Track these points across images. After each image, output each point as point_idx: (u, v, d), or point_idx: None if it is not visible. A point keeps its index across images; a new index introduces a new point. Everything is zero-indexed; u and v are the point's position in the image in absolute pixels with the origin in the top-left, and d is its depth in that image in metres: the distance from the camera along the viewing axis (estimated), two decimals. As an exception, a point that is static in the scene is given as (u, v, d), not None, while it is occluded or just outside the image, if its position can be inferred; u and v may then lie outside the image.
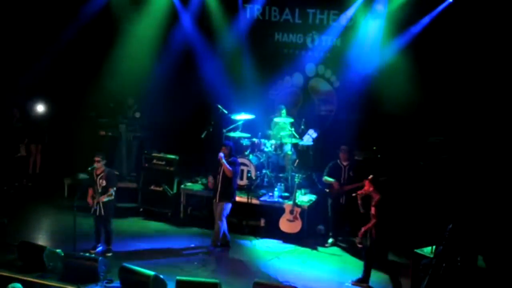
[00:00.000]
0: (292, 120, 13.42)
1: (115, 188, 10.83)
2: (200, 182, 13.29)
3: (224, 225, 11.14)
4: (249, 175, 12.81)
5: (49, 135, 14.62)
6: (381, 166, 12.19)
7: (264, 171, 13.09)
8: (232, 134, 13.20)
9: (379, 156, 12.78)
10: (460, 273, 8.50)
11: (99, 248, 10.93)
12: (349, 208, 11.18)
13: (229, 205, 11.08)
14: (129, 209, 13.00)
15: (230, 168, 10.88)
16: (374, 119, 13.31)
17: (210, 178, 12.52)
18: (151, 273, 9.44)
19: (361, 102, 13.47)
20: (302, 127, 13.52)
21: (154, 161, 12.97)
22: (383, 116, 13.13)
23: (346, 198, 11.46)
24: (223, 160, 10.85)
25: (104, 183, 10.65)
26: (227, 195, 11.05)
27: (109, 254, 10.81)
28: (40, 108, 14.30)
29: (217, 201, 11.03)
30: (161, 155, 13.01)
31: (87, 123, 14.12)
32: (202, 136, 12.93)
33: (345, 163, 11.48)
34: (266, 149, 13.11)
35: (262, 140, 13.20)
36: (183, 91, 14.37)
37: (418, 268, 9.27)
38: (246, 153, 13.12)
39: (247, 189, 12.61)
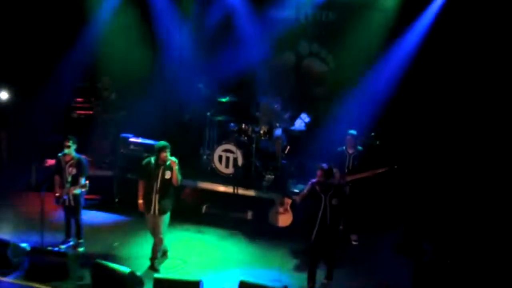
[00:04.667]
0: (282, 102, 13.45)
1: (86, 180, 10.52)
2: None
3: (165, 240, 10.26)
4: (235, 163, 12.77)
5: (16, 118, 14.42)
6: (381, 154, 12.15)
7: (251, 159, 13.00)
8: (217, 117, 13.32)
9: (377, 143, 12.72)
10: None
11: (70, 243, 10.74)
12: (352, 200, 11.08)
13: (169, 215, 10.15)
14: (104, 200, 12.90)
15: (181, 178, 10.01)
16: (373, 103, 13.27)
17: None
18: (127, 269, 9.31)
19: (360, 84, 13.47)
20: (294, 110, 13.58)
21: (132, 146, 12.83)
22: (384, 99, 13.16)
23: (351, 189, 11.23)
24: (177, 167, 9.81)
25: (74, 171, 10.44)
26: (168, 205, 10.07)
27: (81, 249, 10.62)
28: (4, 94, 14.08)
29: (156, 213, 9.95)
30: (140, 140, 12.85)
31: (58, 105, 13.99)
32: (187, 119, 13.06)
33: (350, 151, 11.30)
34: (253, 135, 12.99)
35: (250, 125, 13.13)
36: (163, 71, 14.40)
37: (420, 266, 9.59)
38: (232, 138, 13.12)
39: (233, 179, 12.56)
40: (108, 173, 13.29)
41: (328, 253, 9.66)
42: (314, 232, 9.44)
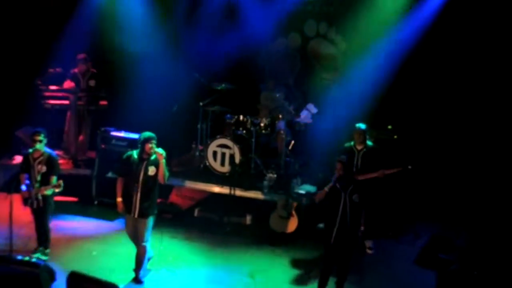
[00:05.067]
0: (286, 91, 13.62)
1: (57, 179, 10.27)
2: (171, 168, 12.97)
3: (149, 248, 10.10)
4: (232, 160, 12.71)
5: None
6: (399, 151, 12.17)
7: (250, 155, 12.99)
8: (211, 108, 13.37)
9: (395, 137, 12.77)
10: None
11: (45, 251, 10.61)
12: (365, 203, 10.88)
13: (153, 219, 9.95)
14: (81, 202, 12.89)
15: (168, 174, 9.82)
16: (390, 91, 13.35)
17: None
18: (111, 283, 9.08)
19: (373, 69, 13.46)
20: (299, 100, 13.75)
21: (113, 141, 12.81)
22: (402, 88, 13.21)
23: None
24: (164, 161, 9.60)
25: (43, 169, 10.26)
26: (153, 206, 9.87)
27: (45, 258, 10.41)
28: None
29: (137, 215, 9.73)
30: (122, 134, 12.82)
31: (29, 93, 13.87)
32: (173, 110, 13.02)
33: (359, 147, 11.16)
34: (253, 128, 12.97)
35: (249, 116, 13.16)
36: (149, 55, 14.39)
37: (445, 278, 9.62)
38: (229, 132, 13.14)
39: (230, 178, 12.47)
40: (86, 171, 13.26)
41: (344, 259, 9.62)
42: (334, 232, 9.42)
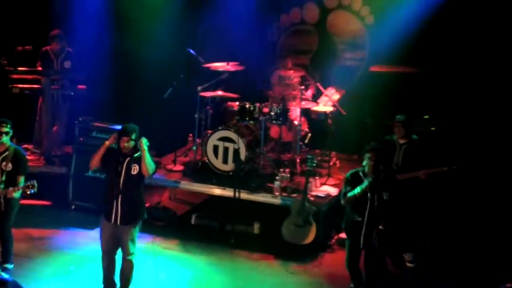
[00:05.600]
0: (302, 73, 13.46)
1: (33, 180, 10.14)
2: (164, 166, 13.26)
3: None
4: (236, 156, 12.61)
5: None
6: (438, 145, 12.07)
7: (258, 150, 13.00)
8: (211, 93, 13.31)
9: (433, 129, 12.77)
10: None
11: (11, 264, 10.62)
12: (404, 209, 10.84)
13: (138, 228, 9.90)
14: (55, 206, 12.90)
15: (153, 164, 9.70)
16: (426, 74, 13.40)
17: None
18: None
19: (407, 48, 13.49)
20: (316, 85, 13.50)
21: (94, 133, 12.81)
22: (440, 69, 13.28)
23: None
24: (145, 147, 9.53)
25: (9, 166, 10.22)
26: (139, 210, 9.84)
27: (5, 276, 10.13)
28: None
29: (120, 222, 9.63)
30: (104, 124, 12.83)
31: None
32: (165, 96, 12.95)
33: (401, 141, 11.14)
34: (262, 117, 12.98)
35: (257, 104, 13.05)
36: (136, 29, 14.37)
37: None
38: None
39: (234, 178, 12.40)
40: (61, 170, 13.26)
41: (370, 271, 9.78)
42: (362, 234, 9.59)
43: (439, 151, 11.40)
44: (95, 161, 9.67)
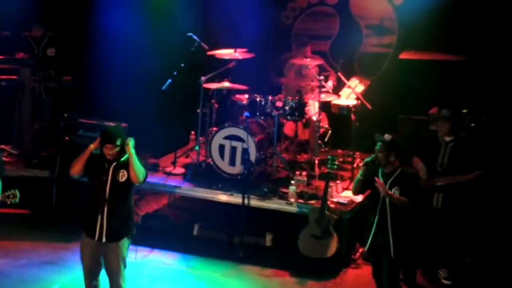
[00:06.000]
0: (321, 61, 13.49)
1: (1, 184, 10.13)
2: (162, 169, 13.29)
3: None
4: (246, 156, 12.54)
5: None
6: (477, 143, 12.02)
7: (271, 150, 13.05)
8: (215, 86, 13.27)
9: (472, 125, 12.61)
10: None
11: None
12: (448, 218, 10.99)
13: (128, 243, 9.80)
14: (36, 215, 12.89)
15: (143, 169, 9.51)
16: (466, 63, 13.41)
17: None
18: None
19: (443, 32, 13.66)
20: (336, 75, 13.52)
21: (81, 131, 12.86)
22: (482, 57, 13.35)
23: (444, 199, 11.13)
24: (132, 149, 9.34)
25: None
26: (128, 224, 9.69)
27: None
28: None
29: (106, 239, 9.49)
30: (94, 121, 12.87)
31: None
32: (164, 88, 12.98)
33: (447, 139, 11.11)
34: (275, 112, 12.96)
35: (269, 97, 13.08)
36: (129, 12, 14.45)
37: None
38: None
39: (243, 182, 12.31)
40: (43, 173, 13.21)
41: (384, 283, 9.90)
42: (370, 238, 9.77)
43: (476, 150, 11.38)
44: (77, 167, 9.48)
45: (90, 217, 9.50)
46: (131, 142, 9.35)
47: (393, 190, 9.57)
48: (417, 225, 10.94)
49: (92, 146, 9.44)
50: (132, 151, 9.34)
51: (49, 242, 12.17)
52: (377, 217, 9.64)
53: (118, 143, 9.30)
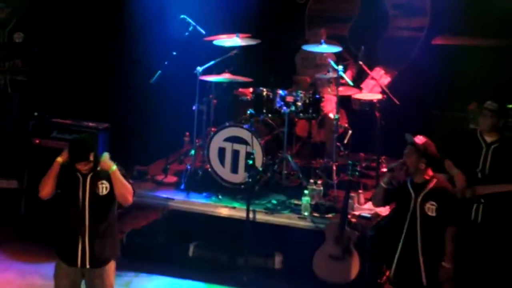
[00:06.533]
0: (339, 49, 13.49)
1: None
2: (152, 177, 13.43)
3: None
4: (250, 162, 12.27)
5: None
6: None
7: (281, 154, 13.04)
8: (214, 79, 13.29)
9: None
10: None
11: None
12: (491, 233, 10.86)
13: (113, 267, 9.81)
14: (2, 232, 13.09)
15: (129, 187, 9.47)
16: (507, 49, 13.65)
17: None
18: None
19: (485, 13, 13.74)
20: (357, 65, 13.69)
21: (54, 133, 12.86)
22: None
23: (484, 211, 10.93)
24: (114, 167, 9.31)
25: None
26: (114, 245, 9.66)
27: None
28: None
29: (89, 265, 9.36)
30: (69, 121, 12.93)
31: None
32: (152, 81, 13.10)
33: (490, 139, 10.92)
34: (285, 109, 12.97)
35: (277, 91, 13.11)
36: None
37: None
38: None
39: (247, 193, 12.17)
40: (10, 184, 13.44)
41: None
42: (394, 263, 9.73)
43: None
44: (47, 189, 9.41)
45: (67, 241, 9.35)
46: (106, 158, 9.26)
47: (427, 206, 9.49)
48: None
49: (59, 160, 9.34)
50: (114, 168, 9.25)
51: (14, 265, 12.23)
52: (403, 236, 9.59)
53: (91, 158, 9.17)
